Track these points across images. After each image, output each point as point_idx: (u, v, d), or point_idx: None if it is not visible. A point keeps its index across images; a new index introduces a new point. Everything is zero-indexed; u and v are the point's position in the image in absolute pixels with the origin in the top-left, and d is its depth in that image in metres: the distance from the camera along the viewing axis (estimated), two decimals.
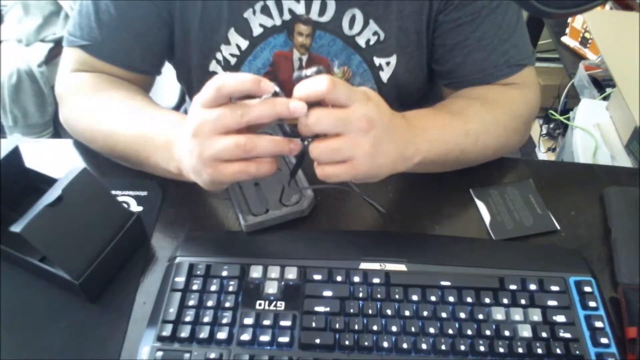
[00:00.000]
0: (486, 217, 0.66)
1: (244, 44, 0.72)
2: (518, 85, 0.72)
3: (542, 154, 1.85)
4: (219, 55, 0.73)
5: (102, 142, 0.67)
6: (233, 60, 0.74)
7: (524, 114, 0.71)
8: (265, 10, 0.70)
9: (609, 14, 1.58)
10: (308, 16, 0.70)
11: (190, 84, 0.78)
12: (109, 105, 0.67)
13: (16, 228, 0.51)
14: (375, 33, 0.71)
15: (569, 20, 1.70)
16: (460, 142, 0.64)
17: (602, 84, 1.48)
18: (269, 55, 0.74)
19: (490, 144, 0.68)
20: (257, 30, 0.71)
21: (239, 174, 0.51)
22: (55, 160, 0.72)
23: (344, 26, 0.71)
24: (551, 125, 1.86)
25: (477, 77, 0.72)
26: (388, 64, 0.74)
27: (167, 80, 0.85)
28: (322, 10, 0.70)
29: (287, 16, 0.70)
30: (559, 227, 0.65)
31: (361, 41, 0.72)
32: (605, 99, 1.41)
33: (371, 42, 0.72)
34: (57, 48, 1.74)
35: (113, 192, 0.66)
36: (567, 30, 1.73)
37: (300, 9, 0.70)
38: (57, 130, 1.83)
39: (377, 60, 0.74)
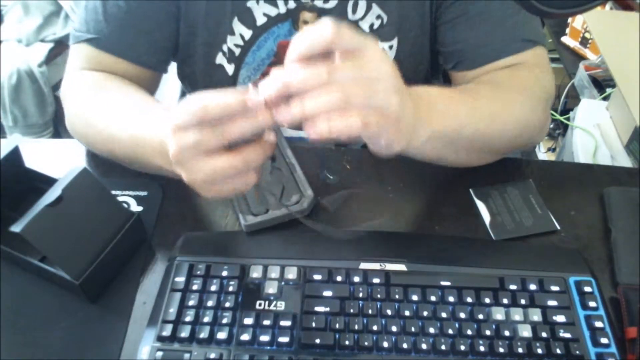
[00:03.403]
0: (486, 217, 0.66)
1: (248, 33, 0.72)
2: (528, 65, 0.68)
3: (542, 154, 1.85)
4: (224, 47, 0.73)
5: (102, 145, 0.66)
6: (237, 51, 0.73)
7: (539, 94, 0.67)
8: (270, 0, 0.69)
9: (609, 14, 1.58)
10: (313, 3, 0.70)
11: (194, 78, 0.78)
12: (108, 107, 0.66)
13: (16, 228, 0.51)
14: (378, 17, 0.70)
15: (569, 20, 1.71)
16: (472, 117, 0.59)
17: (602, 84, 1.48)
18: (273, 45, 0.73)
19: (509, 123, 0.64)
20: (260, 20, 0.71)
21: (238, 189, 0.49)
22: (55, 160, 0.72)
23: (348, 11, 0.70)
24: (551, 125, 1.86)
25: (485, 52, 0.68)
26: (391, 47, 0.73)
27: (167, 81, 0.85)
28: None
29: (292, 4, 0.70)
30: (559, 227, 0.65)
31: (365, 26, 0.71)
32: (605, 99, 1.42)
33: (375, 26, 0.71)
34: (57, 48, 1.75)
35: (113, 192, 0.66)
36: (567, 30, 1.73)
37: None
38: (57, 130, 1.84)
39: (381, 45, 0.73)
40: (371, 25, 0.72)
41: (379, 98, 0.45)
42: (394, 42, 0.73)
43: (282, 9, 0.70)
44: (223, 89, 0.45)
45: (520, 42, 0.68)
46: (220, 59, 0.74)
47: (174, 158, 0.47)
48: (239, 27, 0.71)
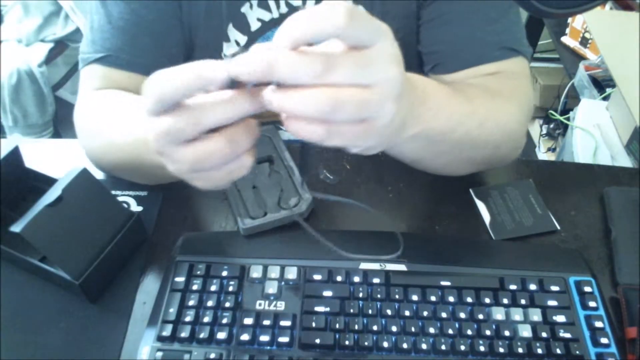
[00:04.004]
0: (486, 217, 0.66)
1: (243, 39, 0.71)
2: (511, 74, 0.65)
3: (542, 154, 1.85)
4: (221, 54, 0.73)
5: (112, 156, 0.63)
6: None
7: (525, 106, 0.65)
8: (263, 4, 0.69)
9: (609, 14, 1.58)
10: (305, 7, 0.69)
11: None
12: (115, 117, 0.63)
13: (16, 228, 0.51)
14: None
15: (569, 20, 1.71)
16: (464, 121, 0.54)
17: (602, 84, 1.48)
18: None
19: (496, 132, 0.59)
20: (254, 25, 0.71)
21: (234, 174, 0.43)
22: (55, 160, 0.72)
23: None
24: (551, 125, 1.86)
25: (463, 57, 0.65)
26: None
27: None
28: (319, 1, 0.69)
29: (284, 9, 0.70)
30: (559, 227, 0.65)
31: None
32: (605, 99, 1.42)
33: None
34: (57, 48, 1.75)
35: (113, 192, 0.66)
36: (567, 30, 1.73)
37: (297, 1, 0.69)
38: (57, 130, 1.84)
39: None
40: None
41: (371, 107, 0.37)
42: None
43: (275, 14, 0.70)
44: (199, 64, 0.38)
45: (501, 49, 0.64)
46: None
47: (154, 148, 0.42)
48: (234, 33, 0.71)
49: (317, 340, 0.52)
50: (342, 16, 0.34)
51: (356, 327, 0.53)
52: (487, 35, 0.65)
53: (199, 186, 0.45)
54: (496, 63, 0.65)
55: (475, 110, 0.56)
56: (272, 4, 0.69)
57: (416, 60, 0.74)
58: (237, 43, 0.72)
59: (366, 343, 0.52)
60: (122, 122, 0.61)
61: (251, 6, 0.69)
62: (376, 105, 0.38)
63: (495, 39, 0.64)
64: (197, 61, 0.38)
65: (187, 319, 0.54)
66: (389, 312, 0.54)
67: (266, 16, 0.70)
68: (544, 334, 0.53)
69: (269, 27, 0.71)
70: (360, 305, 0.55)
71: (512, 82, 0.66)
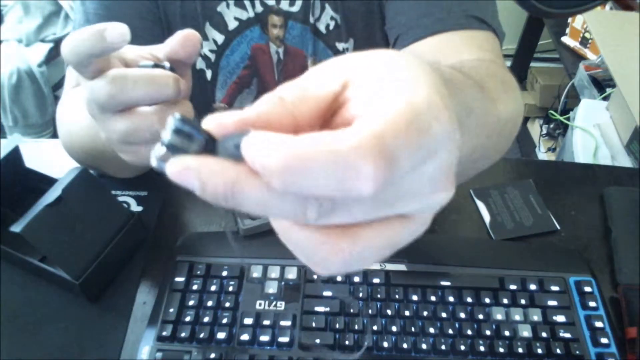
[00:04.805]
0: (486, 217, 0.66)
1: (221, 38, 0.72)
2: (494, 55, 0.58)
3: (542, 154, 1.85)
4: (201, 52, 0.72)
5: (78, 147, 0.61)
6: (212, 57, 0.73)
7: None
8: (239, 3, 0.69)
9: (609, 14, 1.58)
10: (279, 6, 0.70)
11: None
12: (73, 110, 0.60)
13: (16, 228, 0.51)
14: (332, 18, 0.70)
15: (569, 20, 1.71)
16: (489, 132, 0.44)
17: (602, 84, 1.48)
18: (247, 49, 0.73)
19: (509, 136, 0.50)
20: (232, 24, 0.71)
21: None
22: (55, 160, 0.71)
23: (309, 14, 0.70)
24: (551, 125, 1.86)
25: (426, 22, 0.60)
26: (348, 49, 0.72)
27: None
28: (293, 0, 0.69)
29: (259, 8, 0.70)
30: (559, 227, 0.65)
31: (321, 27, 0.71)
32: (605, 99, 1.42)
33: (330, 27, 0.71)
34: (57, 48, 1.74)
35: (113, 192, 0.66)
36: (567, 30, 1.73)
37: (271, 0, 0.69)
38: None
39: (340, 46, 0.72)
40: (327, 26, 0.71)
41: (403, 240, 0.25)
42: (350, 44, 0.72)
43: (251, 13, 0.70)
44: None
45: (467, 18, 0.59)
46: (200, 64, 0.74)
47: (89, 113, 0.39)
48: (211, 32, 0.71)
49: (317, 340, 0.52)
50: (372, 180, 0.19)
51: (356, 327, 0.53)
52: (451, 3, 0.60)
53: (128, 160, 0.41)
54: (461, 32, 0.59)
55: (500, 116, 0.45)
56: (247, 3, 0.69)
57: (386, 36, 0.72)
58: (215, 42, 0.72)
59: (366, 343, 0.52)
60: (80, 111, 0.56)
61: (227, 5, 0.69)
62: (409, 237, 0.25)
63: (460, 7, 0.59)
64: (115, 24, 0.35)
65: (187, 319, 0.54)
66: (389, 312, 0.54)
67: (243, 15, 0.70)
68: (544, 334, 0.53)
69: (246, 26, 0.71)
70: (360, 305, 0.55)
71: (502, 63, 0.59)
